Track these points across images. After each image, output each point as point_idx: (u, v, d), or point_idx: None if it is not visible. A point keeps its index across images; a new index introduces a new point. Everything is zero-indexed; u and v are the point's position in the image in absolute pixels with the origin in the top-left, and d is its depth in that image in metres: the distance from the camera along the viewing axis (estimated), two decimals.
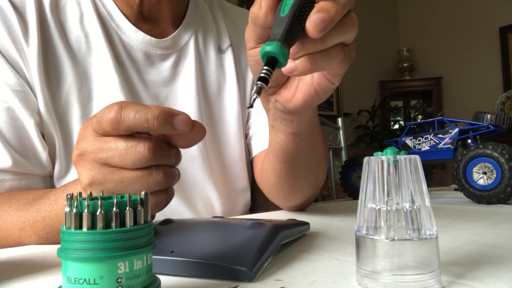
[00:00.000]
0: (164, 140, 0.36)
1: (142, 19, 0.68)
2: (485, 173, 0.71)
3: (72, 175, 0.62)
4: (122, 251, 0.23)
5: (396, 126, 4.58)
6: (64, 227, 0.24)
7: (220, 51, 0.76)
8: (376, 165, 0.28)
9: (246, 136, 0.79)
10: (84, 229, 0.23)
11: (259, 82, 0.31)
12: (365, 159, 0.29)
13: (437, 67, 4.43)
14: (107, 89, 0.63)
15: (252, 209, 0.83)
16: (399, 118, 4.63)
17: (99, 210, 0.23)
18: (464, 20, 4.27)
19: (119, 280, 0.23)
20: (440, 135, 0.80)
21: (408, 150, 0.83)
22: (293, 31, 0.32)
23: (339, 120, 1.41)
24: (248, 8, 0.38)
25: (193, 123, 0.34)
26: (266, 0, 0.34)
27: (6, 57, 0.58)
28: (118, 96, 0.63)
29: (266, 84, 0.32)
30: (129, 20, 0.67)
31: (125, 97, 0.63)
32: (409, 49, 4.53)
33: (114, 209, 0.24)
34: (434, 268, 0.27)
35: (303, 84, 0.43)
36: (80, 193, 0.24)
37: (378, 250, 0.27)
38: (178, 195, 0.67)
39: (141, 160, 0.34)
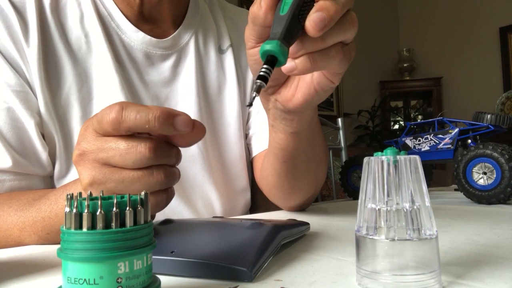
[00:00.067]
0: (164, 140, 0.36)
1: (143, 19, 0.68)
2: (485, 173, 0.71)
3: (72, 175, 0.62)
4: (122, 251, 0.23)
5: (396, 126, 4.58)
6: (64, 227, 0.24)
7: (220, 51, 0.76)
8: (376, 165, 0.28)
9: (246, 136, 0.79)
10: (84, 229, 0.23)
11: (258, 81, 0.31)
12: (365, 159, 0.29)
13: (437, 67, 4.43)
14: (107, 89, 0.63)
15: (252, 209, 0.83)
16: (399, 118, 4.64)
17: (99, 210, 0.23)
18: (464, 20, 4.27)
19: (119, 280, 0.23)
20: (440, 135, 0.80)
21: (408, 150, 0.83)
22: (292, 30, 0.32)
23: (339, 120, 1.42)
24: (248, 8, 0.38)
25: (193, 122, 0.34)
26: None
27: (6, 57, 0.58)
28: (118, 97, 0.63)
29: (266, 83, 0.32)
30: (129, 20, 0.67)
31: (125, 97, 0.63)
32: (409, 49, 4.53)
33: (114, 209, 0.24)
34: (434, 268, 0.27)
35: (303, 83, 0.43)
36: (80, 193, 0.24)
37: (378, 250, 0.27)
38: (178, 195, 0.67)
39: (141, 160, 0.34)
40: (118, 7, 0.66)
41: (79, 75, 0.63)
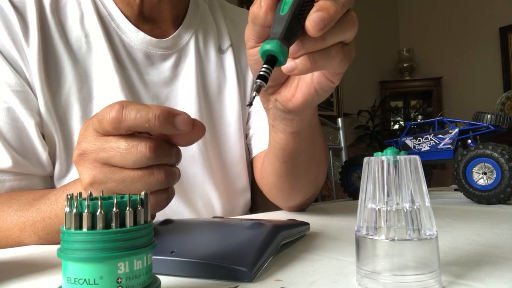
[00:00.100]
0: (164, 139, 0.36)
1: (143, 19, 0.68)
2: (485, 173, 0.71)
3: (73, 175, 0.62)
4: (122, 251, 0.23)
5: (396, 126, 4.58)
6: (64, 227, 0.24)
7: (220, 51, 0.76)
8: (376, 165, 0.28)
9: (246, 136, 0.79)
10: (84, 229, 0.23)
11: (258, 80, 0.31)
12: (365, 159, 0.29)
13: (437, 67, 4.43)
14: (107, 89, 0.63)
15: (252, 209, 0.83)
16: (399, 118, 4.64)
17: (99, 210, 0.23)
18: (464, 20, 4.27)
19: (119, 280, 0.23)
20: (440, 135, 0.80)
21: (408, 150, 0.83)
22: (292, 30, 0.32)
23: (339, 120, 1.42)
24: (248, 8, 0.38)
25: (193, 122, 0.34)
26: None
27: (6, 57, 0.58)
28: (118, 96, 0.63)
29: (266, 82, 0.32)
30: (129, 20, 0.67)
31: (125, 97, 0.63)
32: (409, 49, 4.53)
33: (114, 209, 0.24)
34: (434, 268, 0.27)
35: (303, 83, 0.43)
36: (80, 193, 0.24)
37: (378, 250, 0.27)
38: (178, 195, 0.67)
39: (142, 160, 0.34)
40: (118, 7, 0.66)
41: (79, 75, 0.63)
